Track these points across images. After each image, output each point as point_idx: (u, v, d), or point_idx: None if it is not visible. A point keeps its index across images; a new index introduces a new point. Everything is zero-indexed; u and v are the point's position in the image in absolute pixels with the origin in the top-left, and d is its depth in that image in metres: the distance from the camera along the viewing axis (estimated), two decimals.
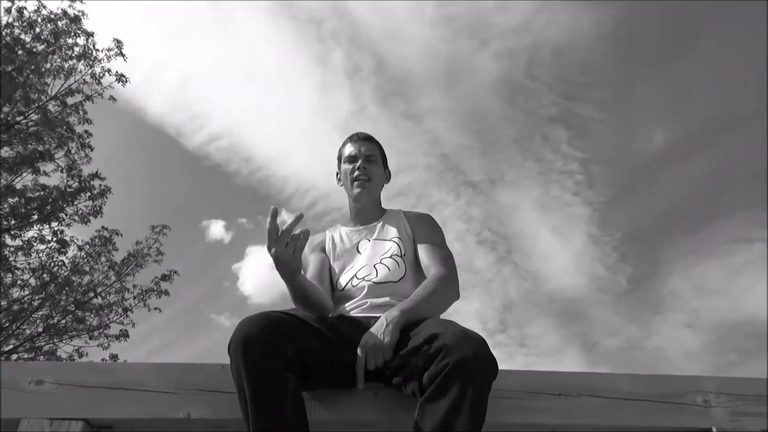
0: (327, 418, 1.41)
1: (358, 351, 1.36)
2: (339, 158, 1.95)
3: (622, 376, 1.56)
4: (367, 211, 1.88)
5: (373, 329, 1.39)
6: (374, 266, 1.72)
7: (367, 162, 1.85)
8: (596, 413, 1.48)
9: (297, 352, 1.24)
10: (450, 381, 1.14)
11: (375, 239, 1.81)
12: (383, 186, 1.94)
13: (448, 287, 1.59)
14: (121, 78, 10.69)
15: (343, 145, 1.94)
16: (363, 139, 1.89)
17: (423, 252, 1.73)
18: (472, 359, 1.14)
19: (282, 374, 1.20)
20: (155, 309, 11.29)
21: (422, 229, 1.83)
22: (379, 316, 1.46)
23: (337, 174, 1.96)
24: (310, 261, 1.81)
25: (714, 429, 1.49)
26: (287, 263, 1.35)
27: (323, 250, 1.85)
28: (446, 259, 1.68)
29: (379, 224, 1.86)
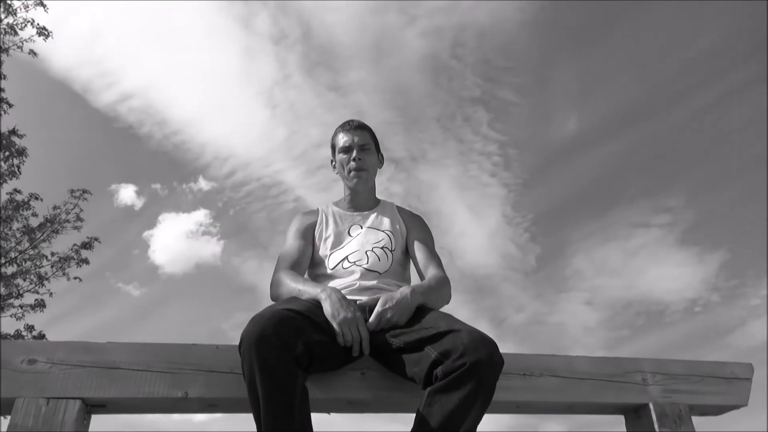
0: (316, 396, 1.50)
1: (375, 312, 1.50)
2: (333, 147, 1.99)
3: (578, 358, 1.75)
4: (362, 199, 1.96)
5: (390, 296, 1.52)
6: (366, 252, 1.81)
7: (362, 152, 1.91)
8: (556, 391, 1.67)
9: (305, 347, 1.32)
10: (464, 379, 1.26)
11: (369, 227, 1.89)
12: (377, 171, 2.01)
13: (448, 289, 1.74)
14: (43, 31, 9.92)
15: (336, 133, 1.98)
16: (356, 128, 1.94)
17: (419, 252, 1.85)
18: (487, 361, 1.27)
19: (293, 370, 1.28)
20: (75, 278, 10.77)
21: (417, 230, 1.94)
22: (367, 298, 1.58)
23: (332, 161, 2.01)
24: (294, 243, 1.85)
25: (650, 404, 1.73)
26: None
27: (310, 233, 1.90)
28: (441, 263, 1.81)
29: (373, 214, 1.94)
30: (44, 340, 1.59)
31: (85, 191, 11.12)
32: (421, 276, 1.83)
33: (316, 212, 1.97)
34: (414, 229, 1.95)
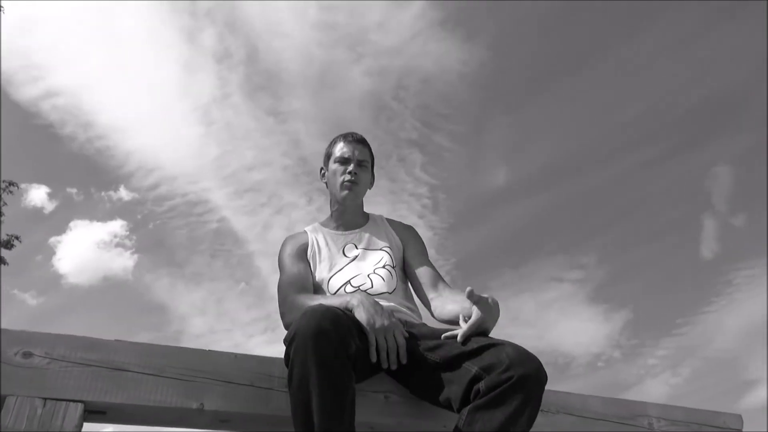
0: None
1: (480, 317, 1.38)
2: (328, 155, 1.89)
3: (591, 397, 1.74)
4: (350, 215, 1.86)
5: (493, 300, 1.41)
6: (368, 276, 1.71)
7: (359, 167, 1.82)
8: (571, 429, 1.64)
9: (356, 348, 1.22)
10: (510, 393, 1.19)
11: (364, 248, 1.79)
12: (367, 190, 1.92)
13: None
14: None
15: (335, 142, 1.88)
16: (357, 141, 1.86)
17: (423, 269, 1.78)
18: (535, 377, 1.21)
19: (349, 371, 1.18)
20: None
21: (415, 243, 1.87)
22: None
23: (322, 170, 1.92)
24: (293, 269, 1.73)
25: None
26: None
27: (304, 255, 1.78)
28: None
29: (365, 233, 1.84)
30: (42, 331, 1.37)
31: (12, 183, 10.25)
32: (421, 291, 1.75)
33: (303, 234, 1.85)
34: (411, 242, 1.87)
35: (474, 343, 1.32)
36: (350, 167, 1.81)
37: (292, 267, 1.73)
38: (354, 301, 1.42)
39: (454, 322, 1.52)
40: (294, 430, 1.19)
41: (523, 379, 1.20)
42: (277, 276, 1.76)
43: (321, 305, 1.27)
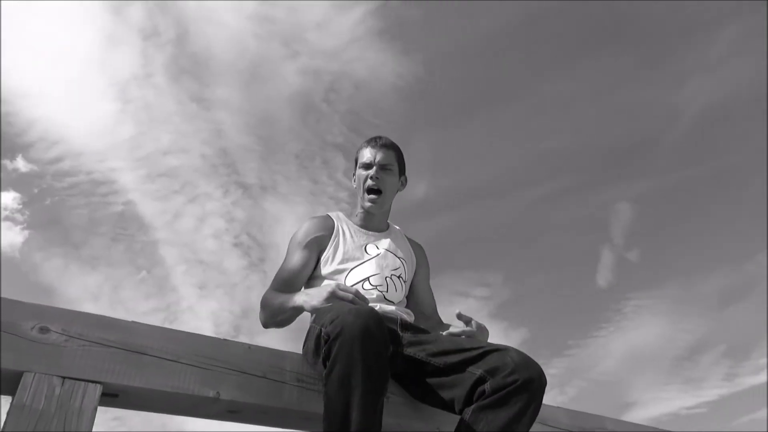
0: None
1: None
2: (356, 160, 1.90)
3: (559, 409, 1.87)
4: (375, 221, 1.87)
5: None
6: (385, 279, 1.74)
7: (382, 171, 1.82)
8: None
9: (392, 352, 1.26)
10: (515, 395, 1.27)
11: (387, 250, 1.81)
12: (396, 194, 1.93)
13: None
14: None
15: (361, 147, 1.89)
16: (382, 146, 1.85)
17: (428, 297, 1.88)
18: (537, 380, 1.30)
19: (388, 372, 1.21)
20: None
21: (425, 268, 1.94)
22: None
23: (353, 174, 1.92)
24: (293, 259, 1.73)
25: None
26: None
27: (316, 244, 1.77)
28: None
29: (386, 238, 1.86)
30: (58, 306, 1.28)
31: None
32: (418, 311, 1.82)
33: (329, 219, 1.84)
34: (423, 265, 1.93)
35: (477, 349, 1.39)
36: (372, 172, 1.81)
37: (294, 257, 1.73)
38: (303, 297, 1.52)
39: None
40: (324, 423, 1.20)
41: (527, 383, 1.28)
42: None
43: (369, 307, 1.29)
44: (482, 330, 1.56)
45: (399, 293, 1.75)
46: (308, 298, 1.49)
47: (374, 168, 1.81)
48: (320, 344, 1.31)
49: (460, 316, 1.54)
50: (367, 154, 1.85)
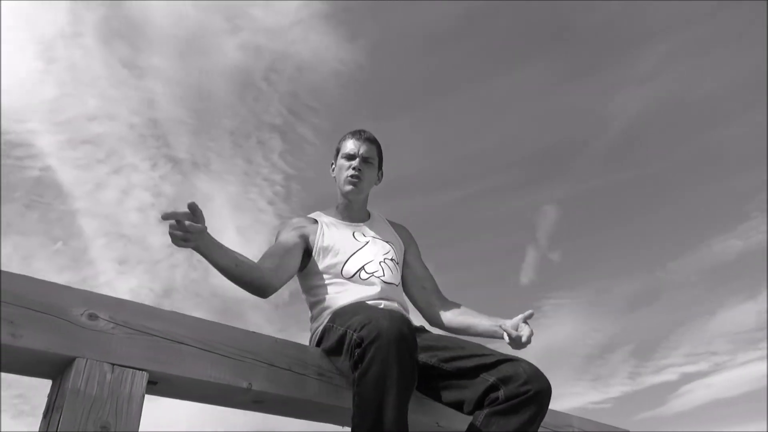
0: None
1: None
2: (337, 150, 1.97)
3: None
4: (355, 210, 1.95)
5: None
6: (380, 264, 1.81)
7: (364, 163, 1.90)
8: None
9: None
10: (527, 404, 1.39)
11: (373, 237, 1.89)
12: (372, 186, 2.00)
13: None
14: None
15: (344, 138, 1.96)
16: (366, 139, 1.93)
17: (426, 274, 1.95)
18: (547, 392, 1.43)
19: (416, 371, 1.30)
20: None
21: (415, 247, 2.03)
22: None
23: (332, 164, 1.99)
24: (284, 237, 1.78)
25: None
26: (182, 239, 1.33)
27: (303, 236, 1.82)
28: None
29: (369, 226, 1.95)
30: (105, 294, 1.26)
31: None
32: (420, 294, 1.91)
33: (312, 220, 1.90)
34: (412, 245, 2.03)
35: (493, 357, 1.51)
36: (355, 163, 1.89)
37: (280, 237, 1.79)
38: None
39: (460, 332, 1.74)
40: (355, 420, 1.28)
41: (538, 394, 1.41)
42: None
43: (398, 311, 1.37)
44: (528, 341, 1.63)
45: (396, 275, 1.85)
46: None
47: (357, 159, 1.89)
48: (344, 345, 1.39)
49: (527, 320, 1.64)
50: (350, 146, 1.92)
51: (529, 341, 1.61)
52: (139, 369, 1.16)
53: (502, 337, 1.65)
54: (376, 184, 2.01)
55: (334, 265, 1.79)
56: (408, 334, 1.28)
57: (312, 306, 1.79)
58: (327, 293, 1.75)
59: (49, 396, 1.14)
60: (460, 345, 1.59)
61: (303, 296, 1.86)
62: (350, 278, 1.77)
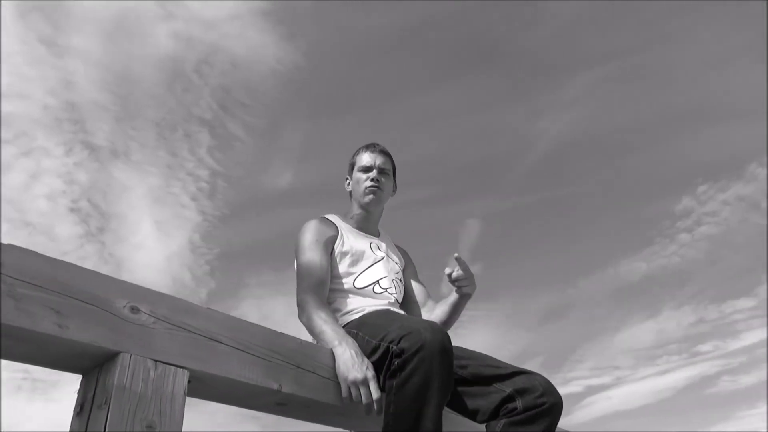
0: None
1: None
2: (352, 165, 2.01)
3: None
4: (371, 221, 1.99)
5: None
6: (392, 281, 1.86)
7: (381, 174, 1.96)
8: None
9: None
10: (543, 416, 1.45)
11: (387, 255, 1.93)
12: (389, 199, 2.05)
13: None
14: None
15: (359, 152, 2.01)
16: (380, 152, 1.99)
17: (420, 288, 2.01)
18: (560, 405, 1.49)
19: (452, 386, 1.32)
20: None
21: (413, 265, 2.08)
22: None
23: (347, 179, 2.02)
24: (317, 259, 1.75)
25: None
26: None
27: (330, 245, 1.83)
28: None
29: (381, 241, 1.98)
30: (144, 286, 1.17)
31: None
32: (413, 306, 1.97)
33: (331, 223, 1.92)
34: (410, 264, 2.08)
35: (509, 368, 1.56)
36: (373, 174, 1.93)
37: (316, 255, 1.76)
38: (339, 349, 1.46)
39: (445, 321, 1.85)
40: (389, 428, 1.28)
41: (554, 407, 1.48)
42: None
43: (437, 324, 1.39)
44: (471, 277, 1.75)
45: (400, 294, 1.90)
46: (343, 362, 1.43)
47: (374, 171, 1.94)
48: (377, 354, 1.40)
49: (458, 259, 1.71)
50: (366, 158, 1.97)
51: (466, 273, 1.72)
52: (180, 367, 1.11)
53: (456, 288, 1.77)
54: (391, 195, 2.05)
55: (351, 273, 1.81)
56: (449, 347, 1.31)
57: None
58: (339, 297, 1.76)
59: (83, 392, 1.07)
60: (475, 355, 1.63)
61: None
62: (362, 288, 1.79)
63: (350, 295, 1.78)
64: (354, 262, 1.83)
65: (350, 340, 1.51)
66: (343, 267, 1.82)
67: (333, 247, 1.84)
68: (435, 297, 2.03)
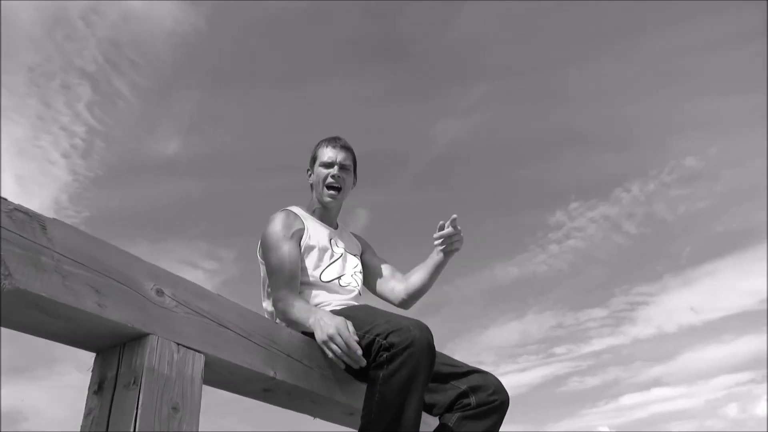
0: (333, 397, 1.57)
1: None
2: (314, 158, 2.04)
3: None
4: (332, 216, 2.06)
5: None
6: (352, 276, 1.95)
7: (342, 170, 1.99)
8: None
9: None
10: (493, 412, 1.63)
11: (344, 250, 2.01)
12: (348, 193, 2.10)
13: None
14: None
15: (320, 146, 2.04)
16: (342, 147, 2.02)
17: (383, 265, 2.13)
18: (508, 403, 1.67)
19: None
20: None
21: (371, 248, 2.18)
22: None
23: (308, 171, 2.06)
24: (287, 252, 1.80)
25: None
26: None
27: (298, 238, 1.88)
28: None
29: (341, 237, 2.05)
30: (165, 269, 1.11)
31: None
32: (383, 283, 2.08)
33: (295, 215, 1.95)
34: (368, 247, 2.18)
35: (464, 367, 1.72)
36: (334, 171, 1.97)
37: (287, 248, 1.81)
38: (311, 319, 1.58)
39: (422, 285, 2.00)
40: (372, 416, 1.38)
41: (503, 404, 1.67)
42: None
43: (423, 323, 1.49)
44: (460, 232, 1.88)
45: (359, 286, 1.99)
46: (318, 327, 1.54)
47: (335, 167, 1.98)
48: (363, 346, 1.48)
49: (453, 222, 1.85)
50: (328, 153, 2.01)
51: (454, 234, 1.86)
52: (198, 351, 1.14)
53: (442, 248, 1.90)
54: (351, 189, 2.10)
55: (317, 267, 1.88)
56: (433, 344, 1.43)
57: None
58: (305, 290, 1.83)
59: (99, 370, 1.07)
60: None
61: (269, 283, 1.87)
62: (328, 282, 1.88)
63: (316, 289, 1.84)
64: (320, 257, 1.90)
65: (320, 310, 1.61)
66: (310, 261, 1.87)
67: (300, 241, 1.89)
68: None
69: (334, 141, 2.03)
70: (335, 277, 1.90)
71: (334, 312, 1.68)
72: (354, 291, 1.92)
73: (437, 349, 1.47)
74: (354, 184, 2.12)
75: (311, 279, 1.85)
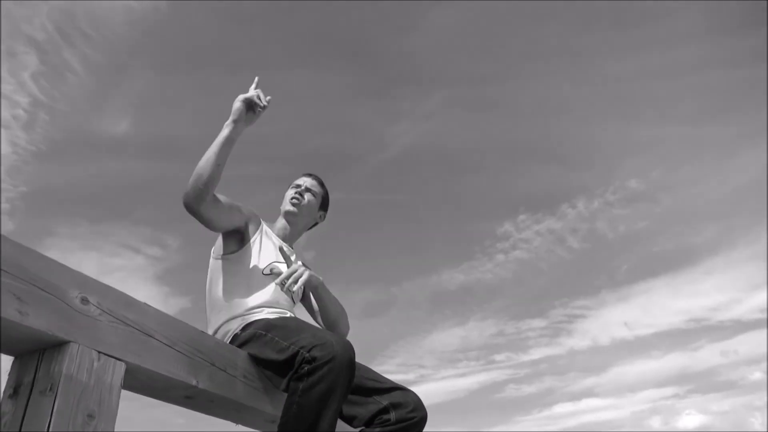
0: (257, 407, 1.62)
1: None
2: (289, 185, 2.21)
3: None
4: (289, 233, 2.13)
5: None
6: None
7: (307, 192, 2.16)
8: None
9: None
10: (412, 428, 1.70)
11: (294, 258, 2.06)
12: (312, 223, 2.22)
13: (347, 320, 2.18)
14: None
15: (298, 177, 2.23)
16: (314, 178, 2.23)
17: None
18: (425, 419, 1.75)
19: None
20: None
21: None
22: None
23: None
24: (233, 206, 1.87)
25: None
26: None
27: (246, 220, 1.95)
28: None
29: (293, 252, 2.12)
30: (93, 277, 1.09)
31: None
32: (313, 311, 2.17)
33: (258, 221, 2.02)
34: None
35: (387, 383, 1.80)
36: (299, 189, 2.15)
37: (234, 207, 1.88)
38: (225, 125, 1.78)
39: (328, 324, 2.09)
40: (288, 426, 1.43)
41: (421, 421, 1.75)
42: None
43: (347, 340, 1.55)
44: (293, 273, 1.82)
45: (298, 301, 2.08)
46: (228, 123, 1.76)
47: (302, 187, 2.16)
48: (285, 357, 1.53)
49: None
50: (299, 180, 2.21)
51: (295, 275, 1.83)
52: (119, 359, 1.17)
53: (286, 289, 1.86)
54: (317, 221, 2.24)
55: (266, 264, 1.94)
56: (354, 362, 1.49)
57: (226, 295, 1.87)
58: (245, 290, 1.86)
59: (16, 375, 1.08)
60: (358, 367, 1.84)
61: (213, 280, 1.92)
62: (268, 275, 1.92)
63: (260, 292, 1.88)
64: (267, 260, 1.95)
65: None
66: (264, 258, 1.94)
67: (249, 232, 1.95)
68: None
69: (308, 174, 2.23)
70: (267, 264, 1.94)
71: (259, 321, 1.73)
72: (287, 302, 1.97)
73: (370, 358, 1.54)
74: (321, 218, 2.25)
75: (255, 281, 1.89)
